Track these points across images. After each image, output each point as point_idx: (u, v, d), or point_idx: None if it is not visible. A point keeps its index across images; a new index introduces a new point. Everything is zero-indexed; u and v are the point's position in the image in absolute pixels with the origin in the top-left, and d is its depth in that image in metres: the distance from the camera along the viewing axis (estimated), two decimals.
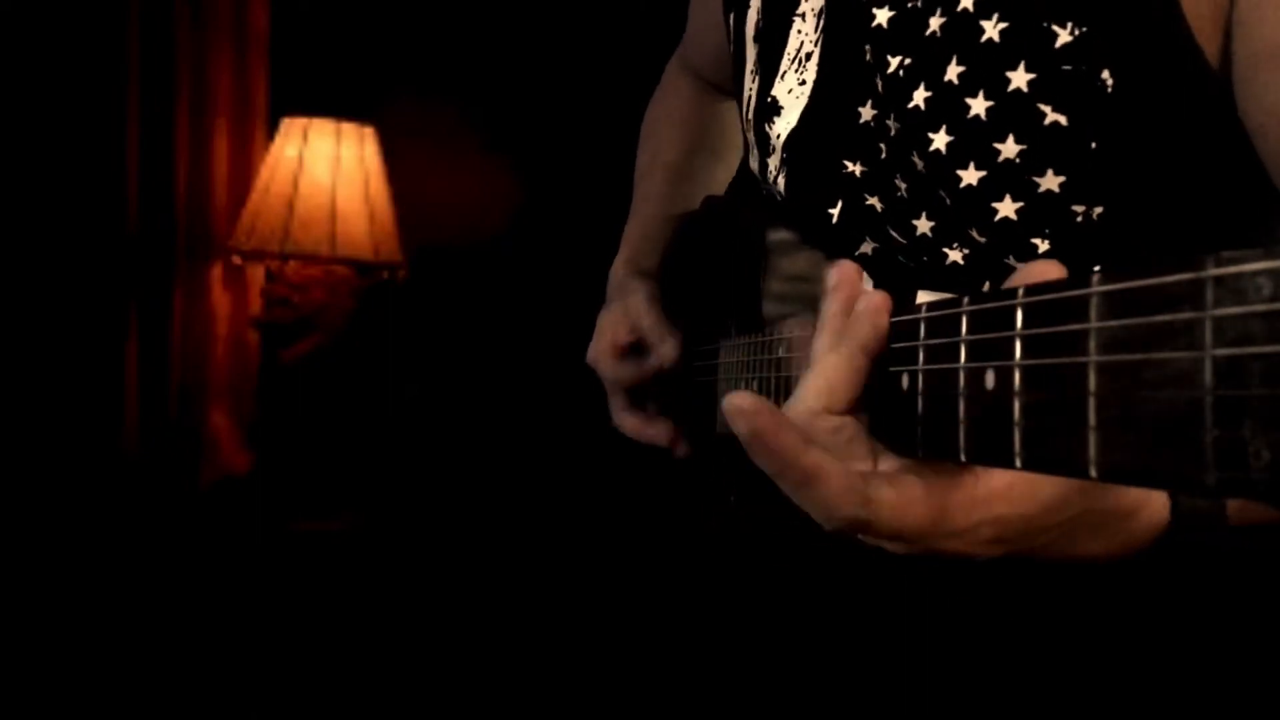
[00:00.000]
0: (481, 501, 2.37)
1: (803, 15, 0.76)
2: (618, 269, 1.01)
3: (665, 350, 0.91)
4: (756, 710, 0.85)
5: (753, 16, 0.82)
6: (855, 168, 0.72)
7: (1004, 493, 0.43)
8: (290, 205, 2.12)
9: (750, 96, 0.81)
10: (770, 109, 0.78)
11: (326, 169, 2.16)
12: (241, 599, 2.09)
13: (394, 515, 2.31)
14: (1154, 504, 0.49)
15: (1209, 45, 0.56)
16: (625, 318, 0.94)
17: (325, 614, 2.08)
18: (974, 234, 0.65)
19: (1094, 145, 0.59)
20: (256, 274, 2.33)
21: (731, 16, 0.86)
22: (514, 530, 2.31)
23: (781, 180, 0.78)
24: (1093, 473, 0.31)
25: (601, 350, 0.95)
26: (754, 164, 0.83)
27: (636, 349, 0.94)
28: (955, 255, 0.68)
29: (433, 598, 2.19)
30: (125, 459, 2.24)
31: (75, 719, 1.84)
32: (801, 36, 0.76)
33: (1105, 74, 0.58)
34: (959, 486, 0.43)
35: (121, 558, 2.13)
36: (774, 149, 0.78)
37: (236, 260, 2.25)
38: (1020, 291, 0.35)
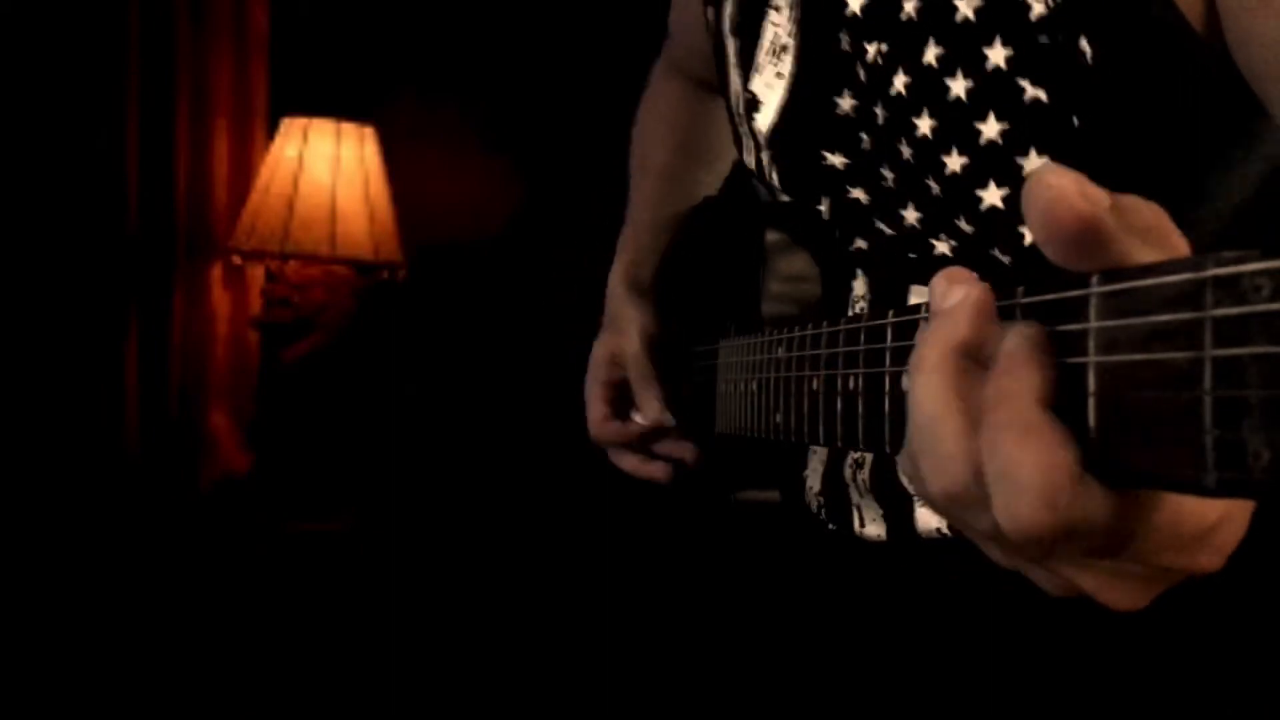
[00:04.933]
0: (481, 502, 2.36)
1: (777, 7, 0.75)
2: (615, 282, 1.00)
3: (648, 408, 0.91)
4: (757, 710, 0.85)
5: (729, 9, 0.81)
6: (836, 160, 0.71)
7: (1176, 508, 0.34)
8: (290, 205, 2.12)
9: (735, 92, 0.81)
10: (751, 104, 0.77)
11: (326, 169, 2.15)
12: (241, 599, 2.08)
13: (394, 515, 2.31)
14: None
15: (1190, 6, 0.54)
16: (614, 362, 0.95)
17: (325, 614, 2.08)
18: (961, 224, 0.64)
19: (1076, 122, 0.58)
20: (256, 274, 2.33)
21: (710, 10, 0.84)
22: (513, 530, 2.31)
23: (775, 176, 0.78)
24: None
25: (593, 393, 0.96)
26: (748, 160, 0.82)
27: (624, 390, 0.94)
28: (943, 247, 0.67)
29: (432, 598, 2.19)
30: (125, 459, 2.24)
31: (75, 719, 1.84)
32: (776, 28, 0.75)
33: (1083, 43, 0.56)
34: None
35: (122, 558, 2.13)
36: (760, 144, 0.77)
37: (236, 260, 2.25)
38: (1020, 291, 0.35)
